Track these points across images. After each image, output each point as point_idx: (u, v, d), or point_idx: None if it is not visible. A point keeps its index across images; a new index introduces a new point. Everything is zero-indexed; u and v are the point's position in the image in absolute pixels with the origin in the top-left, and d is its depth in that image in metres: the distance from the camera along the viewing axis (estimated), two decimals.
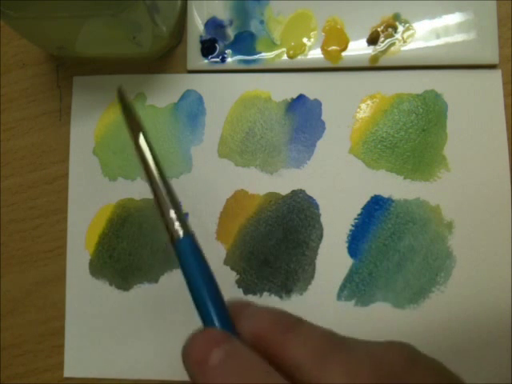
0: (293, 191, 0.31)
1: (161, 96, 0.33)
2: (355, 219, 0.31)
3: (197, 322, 0.32)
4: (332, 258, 0.31)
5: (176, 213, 0.19)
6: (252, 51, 0.32)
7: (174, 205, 0.19)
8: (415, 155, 0.31)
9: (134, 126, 0.21)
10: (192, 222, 0.32)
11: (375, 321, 0.30)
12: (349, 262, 0.30)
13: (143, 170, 0.20)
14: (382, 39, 0.31)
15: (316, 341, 0.16)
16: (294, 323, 0.17)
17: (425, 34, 0.31)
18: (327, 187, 0.31)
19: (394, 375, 0.15)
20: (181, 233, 0.19)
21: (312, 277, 0.31)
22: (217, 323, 0.17)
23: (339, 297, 0.30)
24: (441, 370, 0.17)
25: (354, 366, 0.15)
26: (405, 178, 0.31)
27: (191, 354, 0.16)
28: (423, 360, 0.18)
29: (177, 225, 0.19)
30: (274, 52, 0.32)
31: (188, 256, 0.19)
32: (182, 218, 0.19)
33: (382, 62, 0.31)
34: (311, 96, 0.32)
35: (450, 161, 0.31)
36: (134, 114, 0.22)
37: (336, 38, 0.31)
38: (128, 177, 0.32)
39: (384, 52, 0.31)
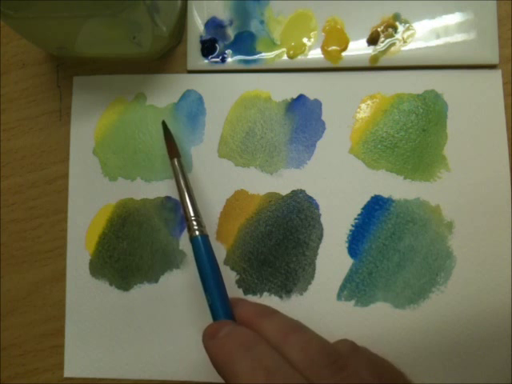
0: (293, 191, 0.31)
1: (161, 96, 0.33)
2: (355, 219, 0.31)
3: (196, 323, 0.32)
4: (332, 258, 0.31)
5: (196, 219, 0.27)
6: (252, 51, 0.32)
7: (195, 213, 0.27)
8: (415, 155, 0.31)
9: (173, 152, 0.30)
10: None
11: (375, 321, 0.30)
12: (349, 261, 0.30)
13: (176, 186, 0.29)
14: (382, 39, 0.31)
15: (282, 324, 0.24)
16: (270, 313, 0.25)
17: (425, 34, 0.31)
18: (327, 187, 0.31)
19: (339, 354, 0.22)
20: (197, 233, 0.27)
21: (312, 277, 0.31)
22: (220, 309, 0.25)
23: (339, 297, 0.30)
24: (379, 361, 0.25)
25: (307, 342, 0.22)
26: (405, 178, 0.31)
27: (207, 333, 0.24)
28: (364, 350, 0.25)
29: (196, 227, 0.27)
30: (274, 52, 0.32)
31: (201, 250, 0.26)
32: (201, 222, 0.27)
33: (382, 62, 0.31)
34: (311, 96, 0.32)
35: (450, 161, 0.31)
36: (174, 143, 0.30)
37: (336, 37, 0.31)
38: (128, 177, 0.32)
39: (384, 52, 0.31)
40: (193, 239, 0.26)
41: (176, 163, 0.29)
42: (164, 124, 0.31)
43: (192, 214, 0.27)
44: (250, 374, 0.21)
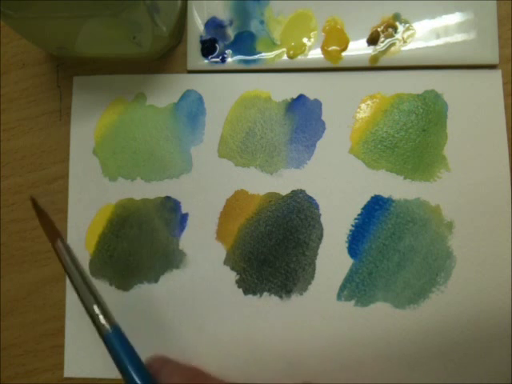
0: (293, 191, 0.31)
1: (161, 96, 0.33)
2: (355, 219, 0.31)
3: (196, 323, 0.32)
4: (332, 258, 0.31)
5: (99, 307, 0.22)
6: (252, 51, 0.32)
7: (96, 300, 0.22)
8: (415, 155, 0.31)
9: (52, 233, 0.24)
10: (192, 221, 0.32)
11: (375, 321, 0.30)
12: (349, 261, 0.30)
13: (65, 273, 0.23)
14: (382, 39, 0.31)
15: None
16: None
17: (425, 34, 0.31)
18: (327, 187, 0.31)
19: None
20: (108, 326, 0.22)
21: (312, 277, 0.31)
22: None
23: (339, 297, 0.30)
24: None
25: None
26: (405, 178, 0.31)
27: None
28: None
29: (102, 319, 0.22)
30: (274, 52, 0.32)
31: (117, 346, 0.22)
32: (106, 311, 0.23)
33: (382, 62, 0.31)
34: (311, 96, 0.32)
35: (450, 161, 0.31)
36: (50, 222, 0.25)
37: (336, 37, 0.31)
38: (128, 177, 0.32)
39: (384, 52, 0.31)
40: (105, 337, 0.23)
41: (59, 245, 0.24)
42: (33, 200, 0.26)
43: (94, 301, 0.23)
44: None
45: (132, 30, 0.29)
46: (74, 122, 0.33)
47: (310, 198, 0.31)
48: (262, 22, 0.32)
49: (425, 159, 0.31)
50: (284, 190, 0.31)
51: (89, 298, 0.22)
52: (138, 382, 0.22)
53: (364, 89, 0.32)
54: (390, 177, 0.31)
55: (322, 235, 0.31)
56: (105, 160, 0.33)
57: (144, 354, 0.31)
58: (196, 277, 0.31)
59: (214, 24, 0.32)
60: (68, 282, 0.32)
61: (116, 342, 0.22)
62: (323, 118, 0.32)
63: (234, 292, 0.31)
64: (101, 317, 0.22)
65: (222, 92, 0.32)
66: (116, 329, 0.22)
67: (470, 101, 0.31)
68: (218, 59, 0.32)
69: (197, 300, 0.31)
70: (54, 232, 0.24)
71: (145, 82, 0.33)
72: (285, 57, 0.32)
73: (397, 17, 0.31)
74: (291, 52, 0.32)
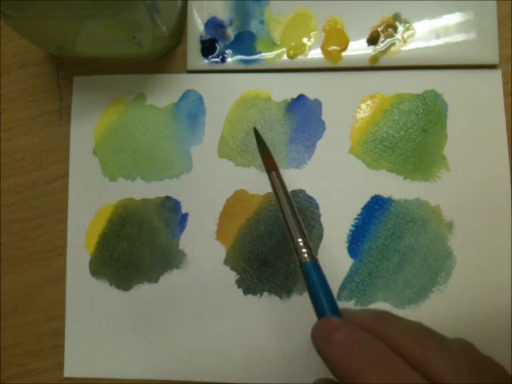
0: (293, 191, 0.31)
1: (161, 96, 0.33)
2: (355, 219, 0.31)
3: (196, 323, 0.32)
4: (332, 258, 0.31)
5: (303, 241, 0.24)
6: (252, 51, 0.32)
7: (301, 234, 0.24)
8: (415, 155, 0.31)
9: (270, 165, 0.27)
10: (192, 221, 0.32)
11: None
12: (349, 261, 0.30)
13: (278, 203, 0.26)
14: (382, 39, 0.31)
15: (408, 328, 0.20)
16: (386, 316, 0.21)
17: (425, 34, 0.31)
18: (327, 187, 0.31)
19: (482, 360, 0.20)
20: (307, 258, 0.23)
21: None
22: (327, 304, 0.22)
23: (339, 297, 0.30)
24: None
25: (448, 349, 0.19)
26: (405, 178, 0.31)
27: (319, 334, 0.20)
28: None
29: (304, 251, 0.23)
30: (274, 52, 0.32)
31: (314, 276, 0.23)
32: (309, 245, 0.24)
33: (382, 62, 0.31)
34: (311, 96, 0.32)
35: (450, 161, 0.31)
36: (270, 155, 0.28)
37: (336, 37, 0.31)
38: (128, 177, 0.32)
39: (384, 52, 0.31)
40: (302, 265, 0.23)
41: (275, 177, 0.27)
42: (257, 133, 0.29)
43: (298, 234, 0.24)
44: None
45: (132, 30, 0.29)
46: (73, 122, 0.33)
47: (310, 198, 0.31)
48: (262, 22, 0.32)
49: (425, 159, 0.31)
50: None
51: (295, 230, 0.24)
52: (328, 312, 0.22)
53: (364, 89, 0.32)
54: (390, 177, 0.31)
55: (321, 235, 0.31)
56: (105, 160, 0.33)
57: (144, 353, 0.31)
58: (196, 277, 0.31)
59: (214, 24, 0.32)
60: (68, 281, 0.32)
61: (313, 273, 0.23)
62: (323, 118, 0.32)
63: (234, 292, 0.31)
64: (304, 249, 0.23)
65: (222, 92, 0.32)
66: (315, 262, 0.23)
67: (470, 101, 0.31)
68: (217, 59, 0.32)
69: (197, 300, 0.31)
70: (272, 164, 0.27)
71: (145, 82, 0.33)
72: (285, 57, 0.32)
73: (397, 17, 0.31)
74: (291, 52, 0.32)
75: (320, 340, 0.20)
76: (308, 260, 0.23)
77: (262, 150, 0.29)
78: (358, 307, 0.30)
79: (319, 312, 0.22)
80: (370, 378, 0.18)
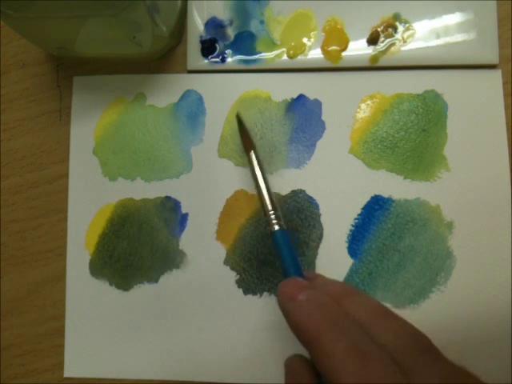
0: (293, 191, 0.31)
1: (161, 96, 0.33)
2: (355, 219, 0.31)
3: (196, 323, 0.32)
4: (332, 258, 0.31)
5: (274, 214, 0.26)
6: (252, 51, 0.32)
7: (273, 207, 0.27)
8: (415, 155, 0.31)
9: (248, 144, 0.29)
10: (192, 221, 0.32)
11: None
12: (349, 261, 0.30)
13: (252, 179, 0.28)
14: (382, 39, 0.31)
15: (369, 305, 0.22)
16: (354, 292, 0.23)
17: (425, 34, 0.31)
18: (327, 187, 0.31)
19: (430, 344, 0.21)
20: (276, 227, 0.26)
21: None
22: (292, 267, 0.25)
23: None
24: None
25: (400, 328, 0.21)
26: (405, 178, 0.31)
27: (284, 292, 0.22)
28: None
29: (274, 222, 0.26)
30: (273, 52, 0.32)
31: (281, 243, 0.25)
32: (280, 216, 0.26)
33: (382, 62, 0.31)
34: (311, 96, 0.32)
35: (450, 161, 0.31)
36: (249, 136, 0.30)
37: (336, 38, 0.31)
38: (128, 177, 0.32)
39: (384, 52, 0.31)
40: (272, 233, 0.26)
41: (253, 156, 0.28)
42: (238, 117, 0.30)
43: (270, 207, 0.27)
44: (343, 355, 0.18)
45: (132, 30, 0.29)
46: (74, 121, 0.33)
47: (310, 198, 0.31)
48: (262, 22, 0.32)
49: (425, 159, 0.31)
50: (284, 190, 0.31)
51: (267, 205, 0.27)
52: (295, 274, 0.24)
53: (364, 89, 0.32)
54: (390, 177, 0.31)
55: (321, 235, 0.31)
56: (105, 160, 0.33)
57: (144, 353, 0.31)
58: (196, 277, 0.31)
59: (213, 24, 0.32)
60: (68, 281, 0.32)
61: (281, 240, 0.25)
62: (323, 118, 0.32)
63: (234, 292, 0.31)
64: (274, 221, 0.26)
65: (222, 92, 0.32)
66: (283, 230, 0.26)
67: (470, 101, 0.31)
68: (218, 59, 0.32)
69: (197, 300, 0.31)
70: (250, 144, 0.29)
71: (145, 81, 0.33)
72: (285, 57, 0.32)
73: (397, 17, 0.31)
74: (291, 52, 0.32)
75: (284, 296, 0.22)
76: (277, 228, 0.26)
77: (241, 130, 0.30)
78: None
79: (287, 275, 0.24)
80: (326, 337, 0.19)
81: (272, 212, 0.26)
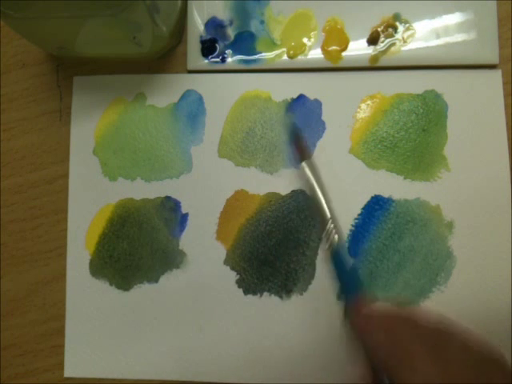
0: (293, 191, 0.31)
1: (161, 96, 0.33)
2: (355, 219, 0.31)
3: (196, 322, 0.32)
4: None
5: (333, 223, 0.27)
6: (252, 51, 0.32)
7: (332, 219, 0.27)
8: (415, 155, 0.31)
9: (304, 153, 0.30)
10: (192, 221, 0.32)
11: None
12: (349, 262, 0.30)
13: (309, 190, 0.29)
14: (382, 39, 0.31)
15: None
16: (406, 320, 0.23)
17: (425, 34, 0.31)
18: (327, 187, 0.31)
19: None
20: (336, 239, 0.27)
21: (312, 277, 0.31)
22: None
23: (339, 297, 0.30)
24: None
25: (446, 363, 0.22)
26: (405, 178, 0.31)
27: (361, 311, 0.24)
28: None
29: (333, 233, 0.27)
30: (274, 52, 0.32)
31: (339, 257, 0.27)
32: (338, 228, 0.28)
33: (382, 62, 0.31)
34: (311, 96, 0.32)
35: (450, 161, 0.31)
36: (305, 144, 0.30)
37: (336, 37, 0.31)
38: (128, 177, 0.32)
39: (384, 52, 0.31)
40: (332, 247, 0.27)
41: (307, 166, 0.29)
42: (294, 125, 0.31)
43: (329, 216, 0.28)
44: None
45: (132, 30, 0.29)
46: (74, 121, 0.33)
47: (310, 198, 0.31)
48: (262, 22, 0.32)
49: (425, 159, 0.31)
50: (284, 190, 0.31)
51: (326, 215, 0.28)
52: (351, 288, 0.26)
53: (364, 89, 0.32)
54: (390, 177, 0.31)
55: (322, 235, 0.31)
56: (105, 160, 0.33)
57: (144, 353, 0.31)
58: (196, 277, 0.31)
59: (214, 24, 0.32)
60: (68, 281, 0.32)
61: (340, 254, 0.27)
62: (323, 117, 0.32)
63: (234, 292, 0.31)
64: (333, 231, 0.27)
65: (222, 92, 0.32)
66: (342, 245, 0.27)
67: (470, 101, 0.31)
68: (218, 59, 0.32)
69: (197, 300, 0.31)
70: (305, 153, 0.30)
71: (145, 81, 0.33)
72: (285, 57, 0.32)
73: (397, 17, 0.31)
74: (291, 52, 0.32)
75: (362, 317, 0.24)
76: (337, 240, 0.27)
77: (296, 138, 0.31)
78: None
79: (351, 289, 0.26)
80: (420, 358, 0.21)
81: (331, 221, 0.27)
